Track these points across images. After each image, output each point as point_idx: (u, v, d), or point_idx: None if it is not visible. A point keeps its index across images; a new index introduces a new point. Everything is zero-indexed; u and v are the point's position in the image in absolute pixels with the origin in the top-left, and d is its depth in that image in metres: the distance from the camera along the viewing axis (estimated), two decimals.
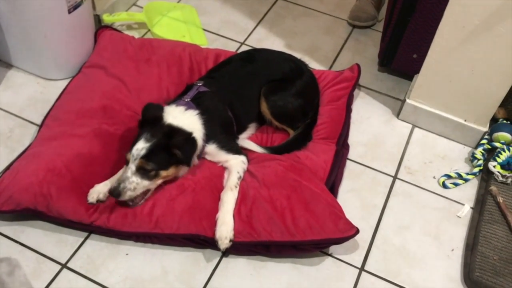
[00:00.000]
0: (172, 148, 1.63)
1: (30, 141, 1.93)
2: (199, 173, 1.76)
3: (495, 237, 1.79)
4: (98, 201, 1.66)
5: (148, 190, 1.66)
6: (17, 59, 2.22)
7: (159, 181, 1.67)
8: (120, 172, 1.69)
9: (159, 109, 1.73)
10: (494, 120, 2.13)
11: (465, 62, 1.89)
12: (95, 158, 1.76)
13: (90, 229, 1.70)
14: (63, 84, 2.15)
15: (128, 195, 1.60)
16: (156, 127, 1.66)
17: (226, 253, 1.70)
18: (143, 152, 1.60)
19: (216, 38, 2.52)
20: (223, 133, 1.83)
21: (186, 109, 1.76)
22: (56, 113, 1.95)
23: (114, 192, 1.59)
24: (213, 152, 1.80)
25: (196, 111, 1.76)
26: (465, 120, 2.08)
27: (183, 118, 1.73)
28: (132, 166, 1.60)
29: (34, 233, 1.70)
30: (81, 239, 1.70)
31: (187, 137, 1.67)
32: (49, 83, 2.21)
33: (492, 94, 1.95)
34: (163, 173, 1.65)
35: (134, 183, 1.60)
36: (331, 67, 2.42)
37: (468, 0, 1.73)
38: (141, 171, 1.60)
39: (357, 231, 1.66)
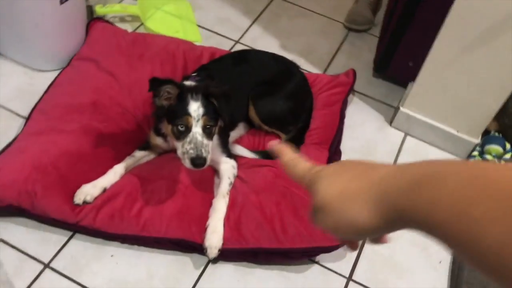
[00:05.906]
0: (214, 98, 1.54)
1: (16, 133, 1.87)
2: (190, 177, 1.73)
3: None
4: (85, 202, 1.62)
5: None
6: (5, 48, 2.15)
7: None
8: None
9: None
10: (486, 132, 2.13)
11: (462, 73, 1.88)
12: (83, 156, 1.71)
13: (75, 228, 1.66)
14: (52, 75, 2.08)
15: (208, 159, 1.51)
16: (193, 86, 1.56)
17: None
18: (201, 110, 1.51)
19: (211, 35, 2.48)
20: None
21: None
22: (44, 107, 1.89)
23: (199, 162, 1.47)
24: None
25: None
26: (457, 131, 2.07)
27: None
28: (198, 130, 1.50)
29: (17, 231, 1.66)
30: (65, 239, 1.67)
31: (224, 89, 1.57)
32: (37, 74, 2.14)
33: (487, 106, 1.94)
34: (215, 129, 1.59)
35: (207, 146, 1.51)
36: (325, 70, 2.40)
37: (468, 13, 1.72)
38: (206, 130, 1.52)
39: None
